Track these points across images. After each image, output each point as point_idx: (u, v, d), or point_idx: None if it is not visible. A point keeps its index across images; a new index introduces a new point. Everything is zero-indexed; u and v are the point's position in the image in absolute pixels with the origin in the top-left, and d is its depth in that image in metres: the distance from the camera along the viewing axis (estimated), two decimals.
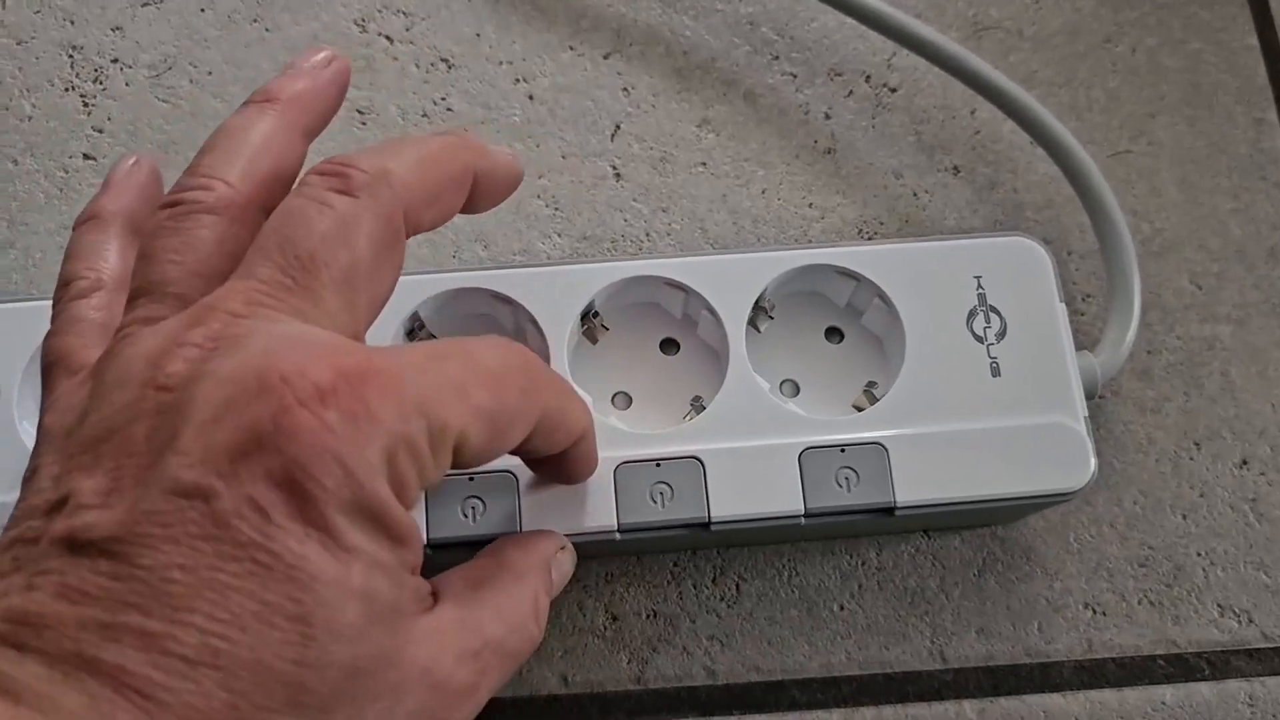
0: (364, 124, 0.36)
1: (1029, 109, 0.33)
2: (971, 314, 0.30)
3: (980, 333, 0.30)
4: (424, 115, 0.36)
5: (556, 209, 0.35)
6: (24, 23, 0.36)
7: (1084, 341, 0.33)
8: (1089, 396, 0.30)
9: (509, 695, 0.31)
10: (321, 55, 0.25)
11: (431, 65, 0.36)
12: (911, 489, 0.28)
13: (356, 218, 0.21)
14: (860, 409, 0.30)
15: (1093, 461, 0.29)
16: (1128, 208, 0.35)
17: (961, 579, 0.32)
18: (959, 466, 0.28)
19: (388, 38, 0.37)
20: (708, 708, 0.31)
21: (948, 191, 0.36)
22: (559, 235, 0.35)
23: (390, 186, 0.21)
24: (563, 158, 0.35)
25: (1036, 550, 0.32)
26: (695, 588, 0.32)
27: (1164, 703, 0.31)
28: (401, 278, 0.30)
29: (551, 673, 0.31)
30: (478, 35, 0.37)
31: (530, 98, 0.36)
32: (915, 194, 0.35)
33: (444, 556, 0.28)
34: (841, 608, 0.32)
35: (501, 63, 0.36)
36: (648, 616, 0.31)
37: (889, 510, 0.28)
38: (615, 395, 0.31)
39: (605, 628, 0.31)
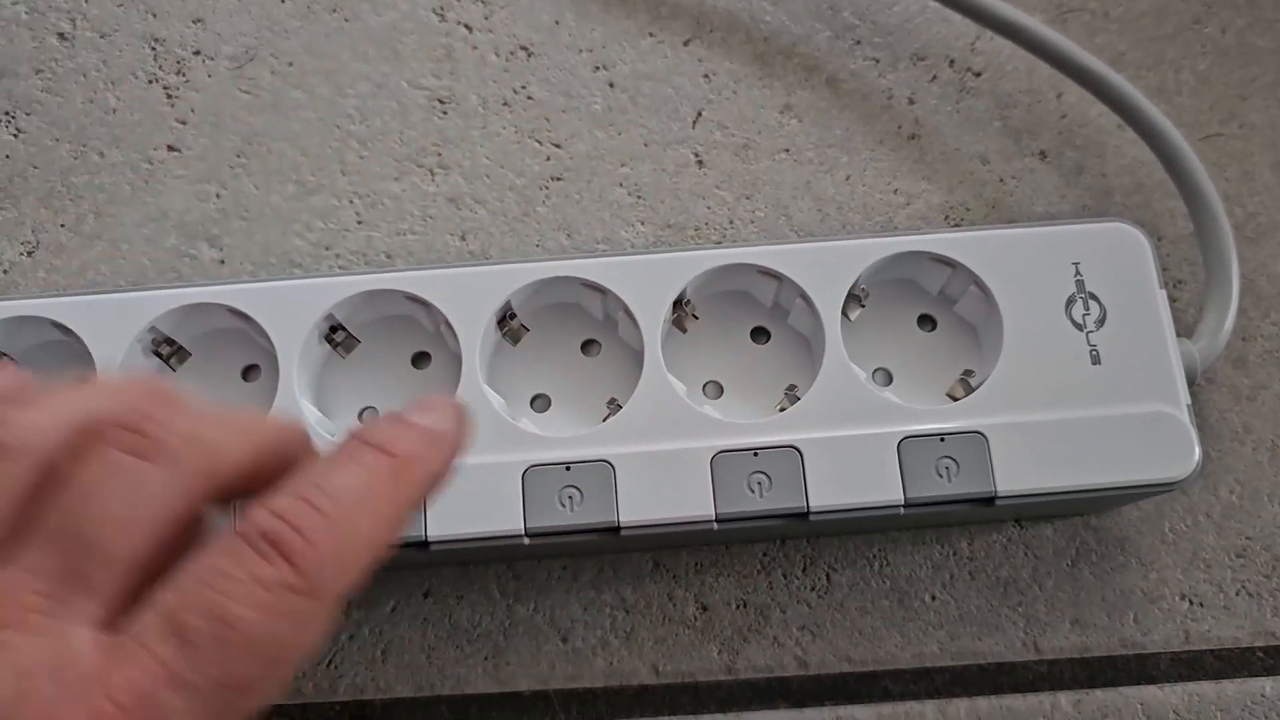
0: (445, 113, 0.36)
1: (1121, 91, 0.33)
2: (1070, 301, 0.29)
3: (1079, 320, 0.29)
4: (505, 104, 0.36)
5: (639, 197, 0.35)
6: (107, 16, 0.37)
7: (1179, 328, 0.32)
8: (1188, 384, 0.29)
9: (600, 685, 0.31)
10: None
11: (511, 54, 0.36)
12: (1012, 478, 0.28)
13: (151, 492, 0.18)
14: (955, 398, 0.30)
15: (1197, 450, 0.28)
16: (1220, 192, 0.34)
17: (1054, 569, 0.32)
18: (1060, 456, 0.28)
19: (467, 26, 0.36)
20: (800, 698, 0.31)
21: (1035, 176, 0.35)
22: (642, 223, 0.34)
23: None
24: (644, 145, 0.35)
25: (1131, 540, 0.32)
26: (785, 578, 0.32)
27: (1264, 695, 0.31)
28: (490, 267, 0.30)
29: (643, 663, 0.31)
30: (557, 23, 0.36)
31: (611, 85, 0.36)
32: (1002, 179, 0.35)
33: (544, 546, 0.28)
34: (933, 598, 0.31)
35: (581, 50, 0.36)
36: (738, 606, 0.31)
37: (990, 500, 0.28)
38: (706, 384, 0.31)
39: (695, 618, 0.31)
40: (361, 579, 0.19)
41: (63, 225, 0.35)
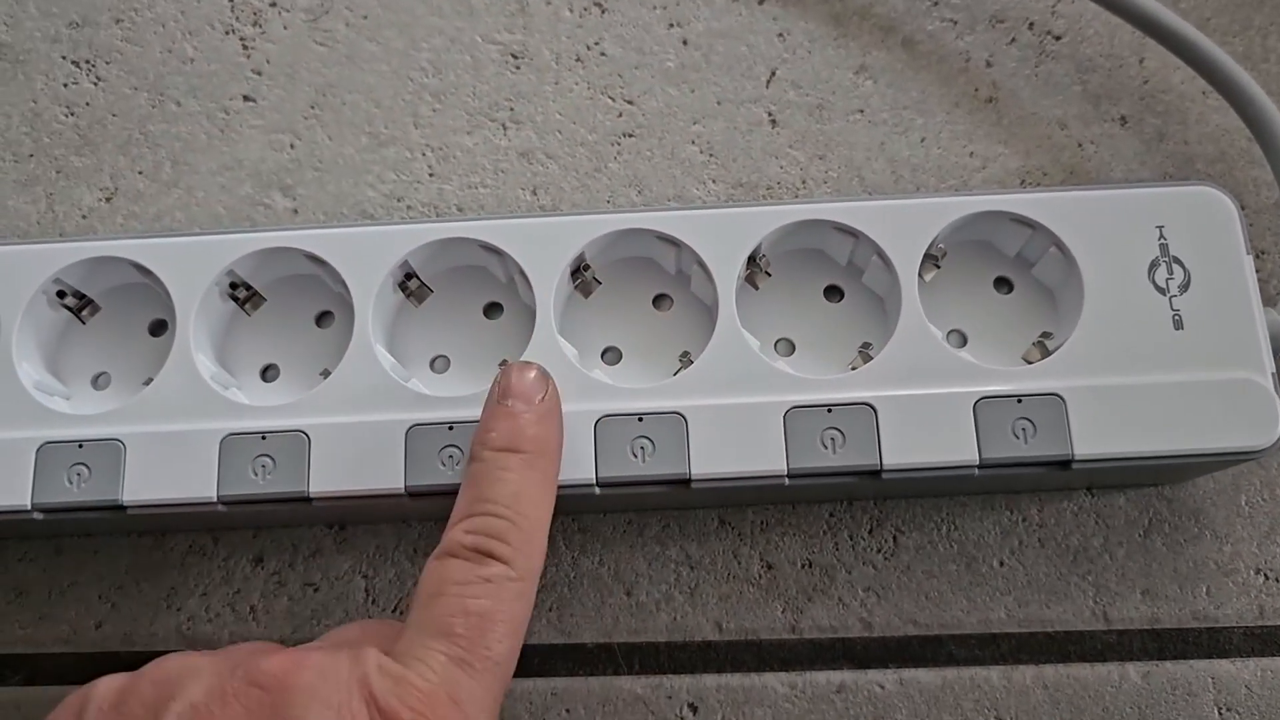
0: (517, 68, 0.36)
1: (1210, 55, 0.32)
2: (1153, 265, 0.29)
3: (1162, 284, 0.29)
4: (577, 59, 0.36)
5: (711, 155, 0.34)
6: None
7: (1262, 298, 0.31)
8: (1273, 353, 0.29)
9: (663, 640, 0.31)
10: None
11: (585, 10, 0.36)
12: (1090, 442, 0.27)
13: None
14: (1030, 362, 0.30)
15: None
16: None
17: (1126, 539, 0.31)
18: (1139, 420, 0.27)
19: None
20: (863, 660, 0.31)
21: (1114, 142, 0.34)
22: (713, 181, 0.34)
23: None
24: (717, 104, 0.35)
25: (1205, 512, 0.31)
26: (851, 538, 0.31)
27: None
28: (566, 218, 0.30)
29: (706, 619, 0.31)
30: None
31: (684, 43, 0.36)
32: (1080, 145, 0.34)
33: (613, 497, 0.28)
34: (1001, 564, 0.31)
35: (655, 7, 0.36)
36: (803, 566, 0.31)
37: (1066, 463, 0.27)
38: (778, 342, 0.31)
39: (760, 576, 0.31)
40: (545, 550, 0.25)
41: (140, 172, 0.35)
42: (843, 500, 0.31)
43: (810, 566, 0.31)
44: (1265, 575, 0.31)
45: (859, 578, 0.31)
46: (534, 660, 0.31)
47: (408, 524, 0.32)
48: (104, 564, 0.32)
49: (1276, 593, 0.31)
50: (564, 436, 0.27)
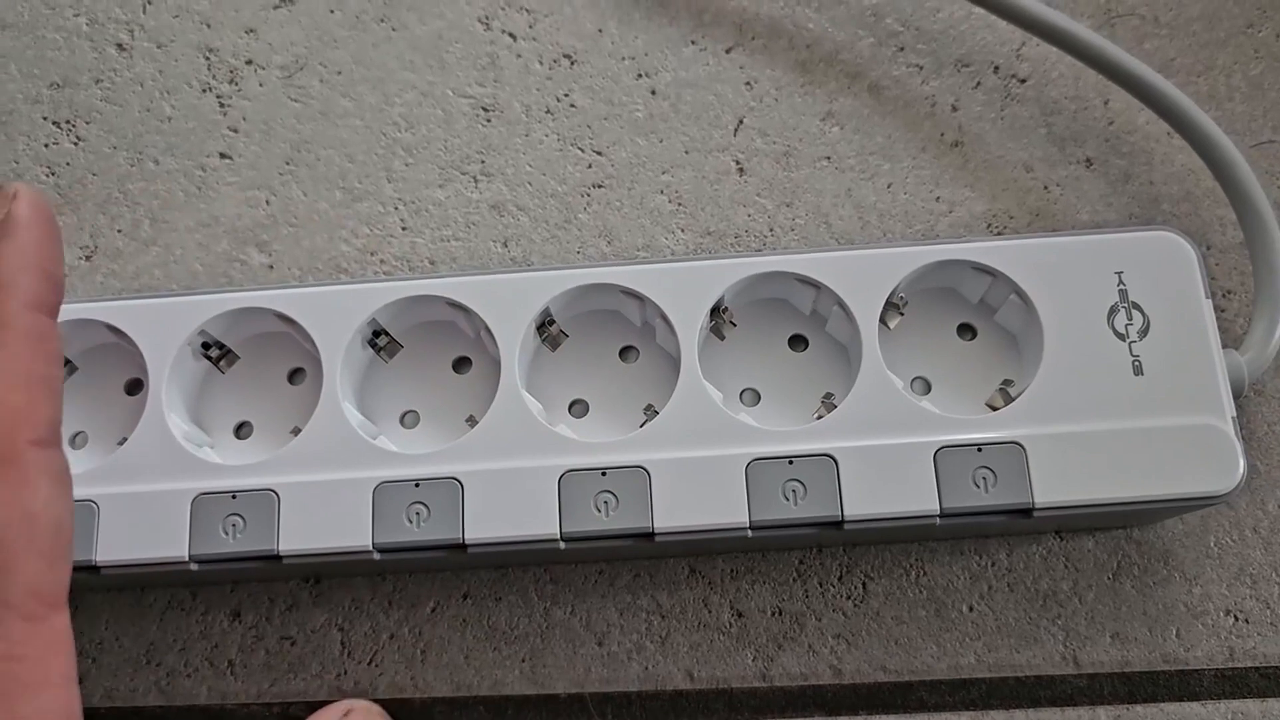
0: (489, 121, 0.36)
1: (1170, 98, 0.32)
2: (1112, 311, 0.29)
3: (1122, 330, 0.29)
4: (548, 111, 0.36)
5: (680, 204, 0.35)
6: (163, 27, 0.38)
7: (1227, 339, 0.31)
8: (1235, 396, 0.29)
9: (635, 690, 0.31)
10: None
11: (554, 62, 0.37)
12: (1050, 490, 0.27)
13: None
14: (994, 408, 0.30)
15: (1241, 464, 0.28)
16: (1272, 200, 0.33)
17: (1095, 582, 0.31)
18: (1100, 467, 0.28)
19: (511, 35, 0.37)
20: (834, 707, 0.31)
21: (1080, 184, 0.35)
22: (682, 230, 0.35)
23: None
24: (685, 153, 0.35)
25: (1175, 554, 0.31)
26: (821, 585, 0.32)
27: None
28: (532, 273, 0.30)
29: (677, 668, 0.31)
30: (600, 31, 0.37)
31: (653, 93, 0.36)
32: (1046, 187, 0.35)
33: (579, 550, 0.28)
34: (971, 609, 0.31)
35: (624, 58, 0.36)
36: (773, 614, 0.31)
37: (1027, 512, 0.28)
38: (744, 392, 0.31)
39: (730, 624, 0.31)
40: None
41: (119, 231, 0.36)
42: (811, 547, 0.32)
43: (780, 614, 0.31)
44: (1235, 617, 0.31)
45: (829, 625, 0.31)
46: (507, 711, 0.31)
47: (382, 577, 0.32)
48: (84, 621, 0.32)
49: (1246, 634, 0.31)
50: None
